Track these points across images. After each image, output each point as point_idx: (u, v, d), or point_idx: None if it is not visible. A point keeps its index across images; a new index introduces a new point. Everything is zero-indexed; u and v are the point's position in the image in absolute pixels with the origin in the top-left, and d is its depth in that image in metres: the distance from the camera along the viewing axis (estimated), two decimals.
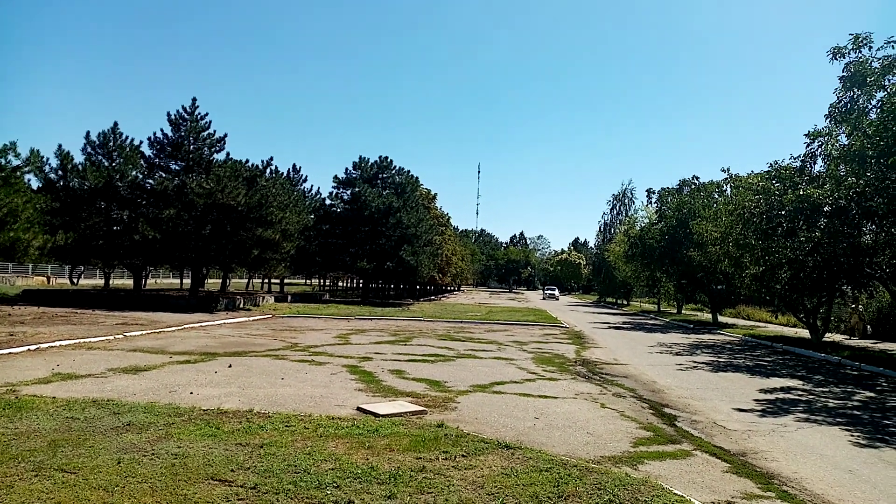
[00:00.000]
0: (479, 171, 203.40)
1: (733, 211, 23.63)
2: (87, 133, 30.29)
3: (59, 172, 29.25)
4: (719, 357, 19.06)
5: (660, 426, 8.80)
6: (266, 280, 53.20)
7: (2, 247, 22.93)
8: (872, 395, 12.97)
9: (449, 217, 69.88)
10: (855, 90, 18.72)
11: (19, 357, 12.37)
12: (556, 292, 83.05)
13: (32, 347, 13.48)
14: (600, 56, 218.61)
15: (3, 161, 22.80)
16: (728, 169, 30.37)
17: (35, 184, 28.62)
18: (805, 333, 25.91)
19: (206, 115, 30.08)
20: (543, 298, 76.01)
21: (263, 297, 35.56)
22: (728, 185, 33.70)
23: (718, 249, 26.97)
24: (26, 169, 24.67)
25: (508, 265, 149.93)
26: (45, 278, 50.27)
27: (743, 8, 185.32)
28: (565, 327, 27.63)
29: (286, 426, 7.28)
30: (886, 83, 17.71)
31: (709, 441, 8.10)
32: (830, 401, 11.92)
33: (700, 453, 7.36)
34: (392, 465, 5.92)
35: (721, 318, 37.78)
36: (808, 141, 20.29)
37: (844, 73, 18.92)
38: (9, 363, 11.55)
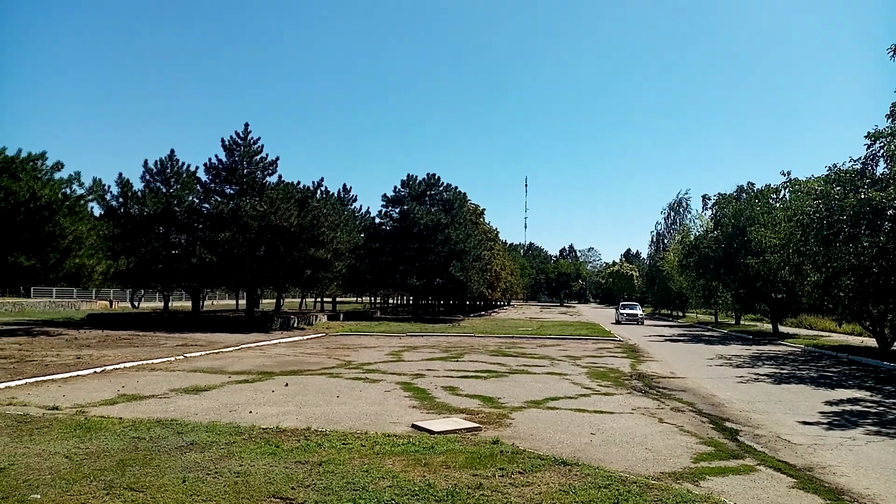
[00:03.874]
0: (526, 185, 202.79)
1: (792, 217, 22.96)
2: (146, 161, 31.42)
3: (120, 200, 30.44)
4: (781, 368, 18.46)
5: (721, 441, 8.57)
6: (319, 299, 54.07)
7: (68, 273, 23.84)
8: None
9: (497, 232, 69.73)
10: None
11: (87, 379, 12.85)
12: (639, 311, 50.13)
13: (98, 370, 13.98)
14: (653, 63, 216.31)
15: (68, 191, 23.80)
16: (788, 172, 29.53)
17: (97, 211, 29.87)
18: (872, 342, 24.88)
19: (259, 139, 30.88)
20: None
21: (316, 316, 36.12)
22: (786, 190, 32.77)
23: (778, 257, 26.16)
24: (89, 197, 25.60)
25: (559, 278, 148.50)
26: (107, 302, 52.11)
27: (796, 8, 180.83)
28: (619, 341, 27.19)
29: (343, 444, 7.37)
30: None
31: (773, 455, 7.85)
32: None
33: (764, 468, 7.14)
34: (449, 483, 5.93)
35: (782, 329, 36.62)
36: (869, 142, 19.64)
37: None
38: (77, 385, 12.00)
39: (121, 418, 8.72)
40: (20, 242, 22.00)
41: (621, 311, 49.85)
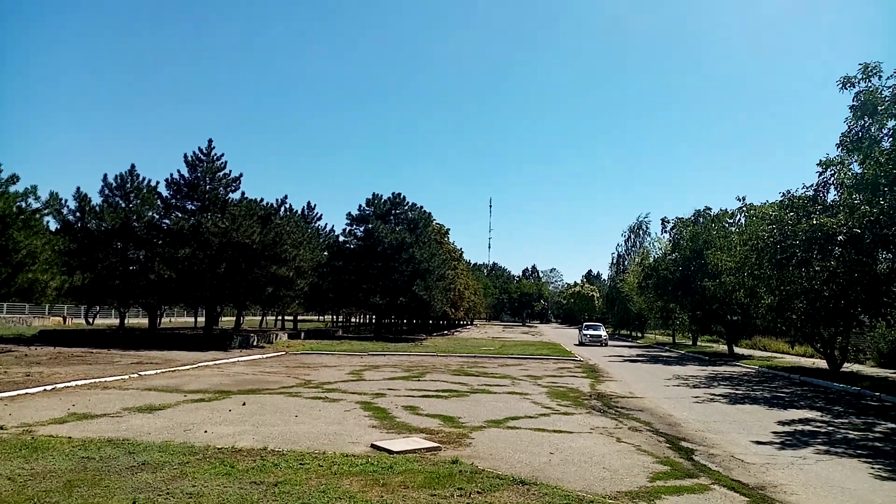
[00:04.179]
0: (490, 206, 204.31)
1: (747, 241, 23.58)
2: (105, 175, 30.80)
3: (77, 214, 29.71)
4: (736, 389, 18.83)
5: (677, 460, 8.69)
6: (280, 317, 53.35)
7: (20, 288, 23.12)
8: (894, 426, 12.75)
9: (461, 251, 70.03)
10: (866, 119, 18.79)
11: (36, 397, 12.46)
12: (603, 332, 47.24)
13: (49, 388, 13.56)
14: (614, 87, 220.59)
15: (23, 204, 23.14)
16: (744, 198, 30.34)
17: (53, 226, 29.07)
18: (823, 364, 25.55)
19: (222, 155, 30.54)
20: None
21: (277, 335, 35.64)
22: (742, 215, 33.66)
23: (733, 280, 26.78)
24: (45, 211, 24.90)
25: (522, 298, 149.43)
26: (61, 319, 50.63)
27: (753, 37, 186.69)
28: (579, 361, 27.41)
29: (300, 464, 7.28)
30: None
31: (727, 475, 7.99)
32: (851, 432, 11.73)
33: (718, 487, 7.26)
34: (407, 503, 5.89)
35: (737, 350, 37.36)
36: (821, 170, 20.31)
37: (855, 103, 19.01)
38: (25, 403, 11.63)
39: (70, 438, 8.48)
40: None
41: (585, 332, 47.11)
